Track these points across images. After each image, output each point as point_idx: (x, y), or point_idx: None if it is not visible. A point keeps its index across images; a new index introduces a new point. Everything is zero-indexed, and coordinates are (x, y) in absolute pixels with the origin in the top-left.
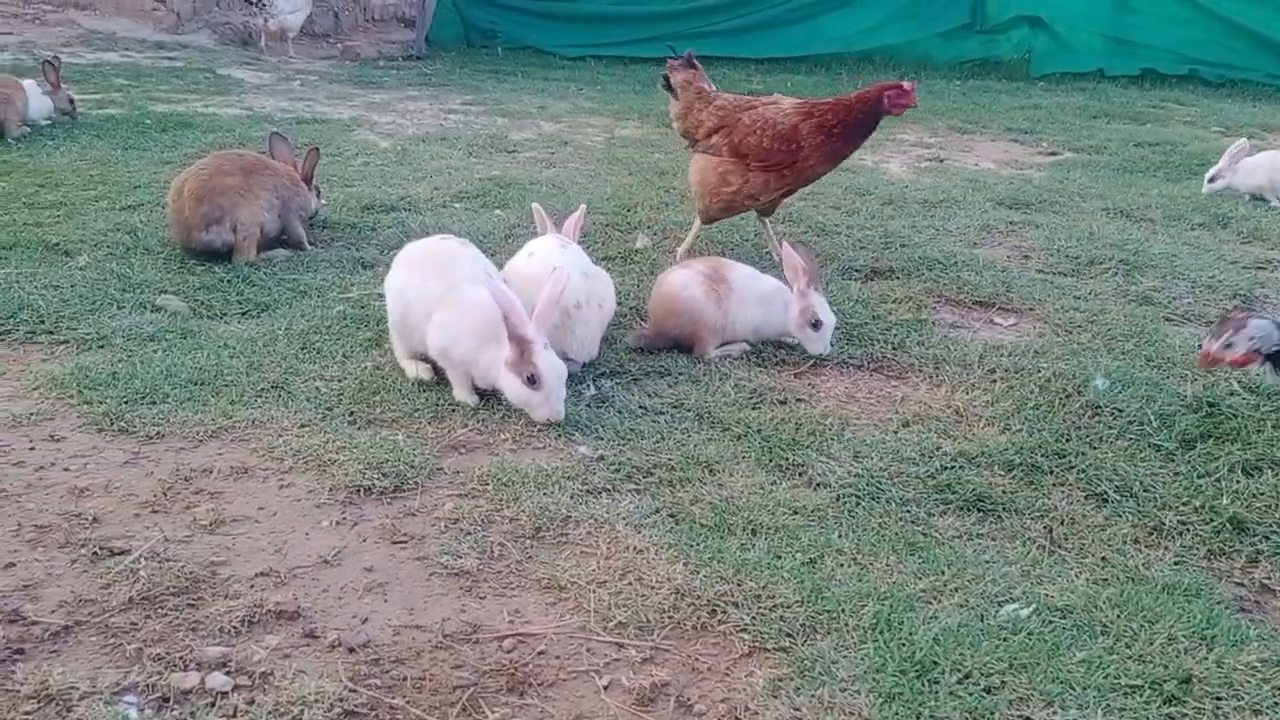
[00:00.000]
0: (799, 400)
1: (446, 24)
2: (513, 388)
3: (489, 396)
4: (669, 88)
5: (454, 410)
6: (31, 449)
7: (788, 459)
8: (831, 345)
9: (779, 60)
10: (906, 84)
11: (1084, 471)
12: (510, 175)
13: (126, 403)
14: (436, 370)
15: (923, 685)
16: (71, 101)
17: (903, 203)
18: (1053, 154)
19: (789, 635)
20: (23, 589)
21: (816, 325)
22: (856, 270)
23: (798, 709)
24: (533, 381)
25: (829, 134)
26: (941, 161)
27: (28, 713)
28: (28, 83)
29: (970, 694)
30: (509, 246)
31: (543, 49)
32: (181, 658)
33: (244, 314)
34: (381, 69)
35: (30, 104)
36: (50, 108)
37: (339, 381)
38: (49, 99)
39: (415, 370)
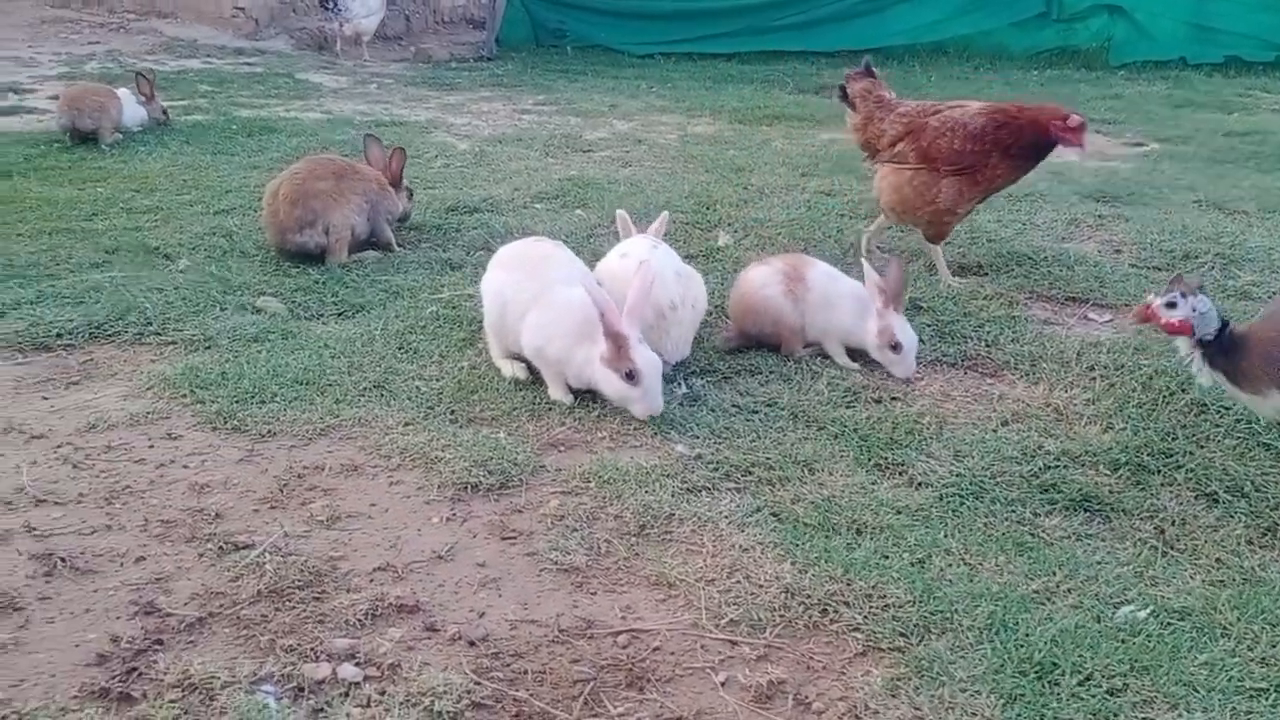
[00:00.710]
0: (894, 399)
1: (516, 24)
2: (611, 384)
3: (583, 395)
4: (845, 99)
5: (550, 409)
6: (151, 447)
7: (887, 458)
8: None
9: (849, 53)
10: (1073, 120)
11: (1192, 471)
12: (588, 175)
13: (237, 402)
14: (531, 369)
15: (1044, 687)
16: (165, 111)
17: None
18: (1138, 145)
19: (903, 635)
20: (155, 582)
21: (896, 348)
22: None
23: (919, 708)
24: (630, 377)
25: (1015, 137)
26: None
27: (173, 701)
28: (122, 91)
29: (1093, 696)
30: (591, 246)
31: (611, 47)
32: (312, 649)
33: (340, 315)
34: (454, 70)
35: (124, 112)
36: (144, 116)
37: (437, 381)
38: (143, 108)
39: (511, 369)
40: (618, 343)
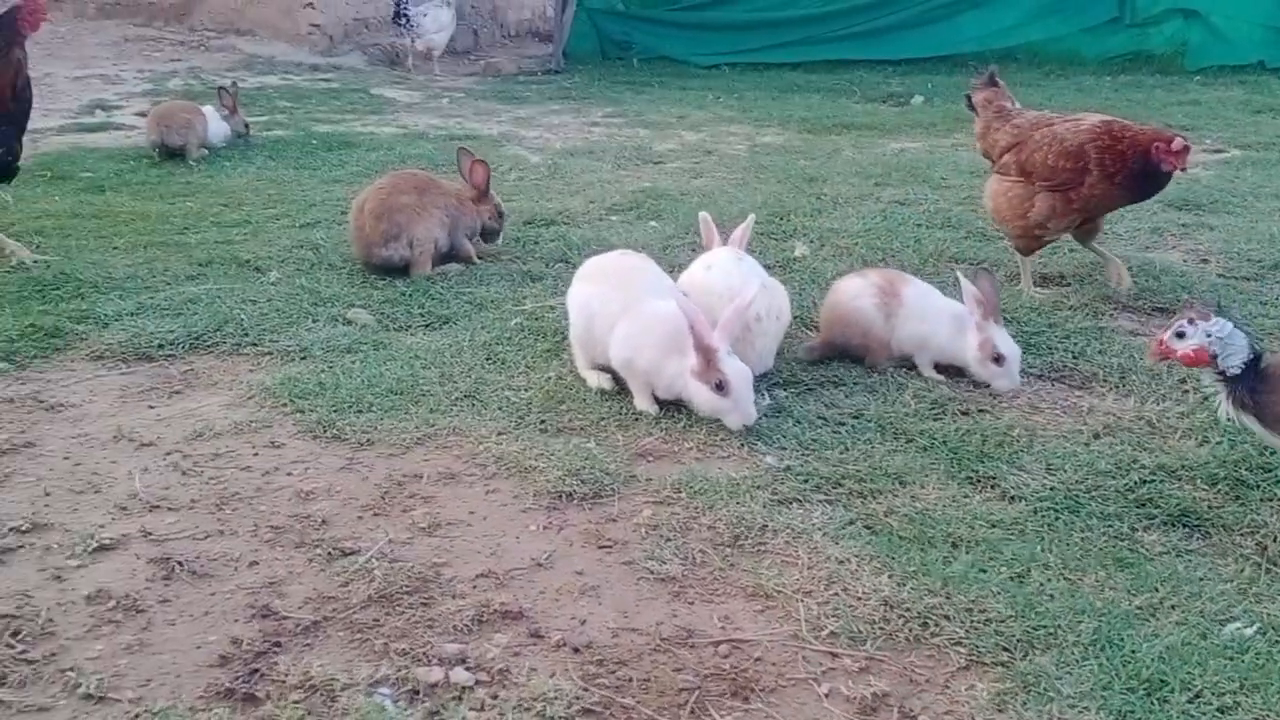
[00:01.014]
0: (981, 411)
1: (582, 37)
2: (702, 396)
3: (669, 406)
4: (971, 107)
5: (637, 419)
6: (255, 454)
7: (978, 471)
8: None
9: (917, 61)
10: (1177, 143)
11: None
12: (660, 186)
13: (335, 411)
14: (617, 380)
15: (1153, 704)
16: (247, 125)
17: None
18: (1218, 151)
19: (1006, 650)
20: (269, 586)
21: (999, 360)
22: (992, 269)
23: None
24: (721, 388)
25: (1116, 158)
26: None
27: (296, 702)
28: (207, 108)
29: (1203, 714)
30: (668, 257)
31: (677, 58)
32: (424, 653)
33: (427, 326)
34: (522, 84)
35: (209, 128)
36: (228, 131)
37: (526, 391)
38: (226, 123)
39: (597, 380)
40: (707, 355)
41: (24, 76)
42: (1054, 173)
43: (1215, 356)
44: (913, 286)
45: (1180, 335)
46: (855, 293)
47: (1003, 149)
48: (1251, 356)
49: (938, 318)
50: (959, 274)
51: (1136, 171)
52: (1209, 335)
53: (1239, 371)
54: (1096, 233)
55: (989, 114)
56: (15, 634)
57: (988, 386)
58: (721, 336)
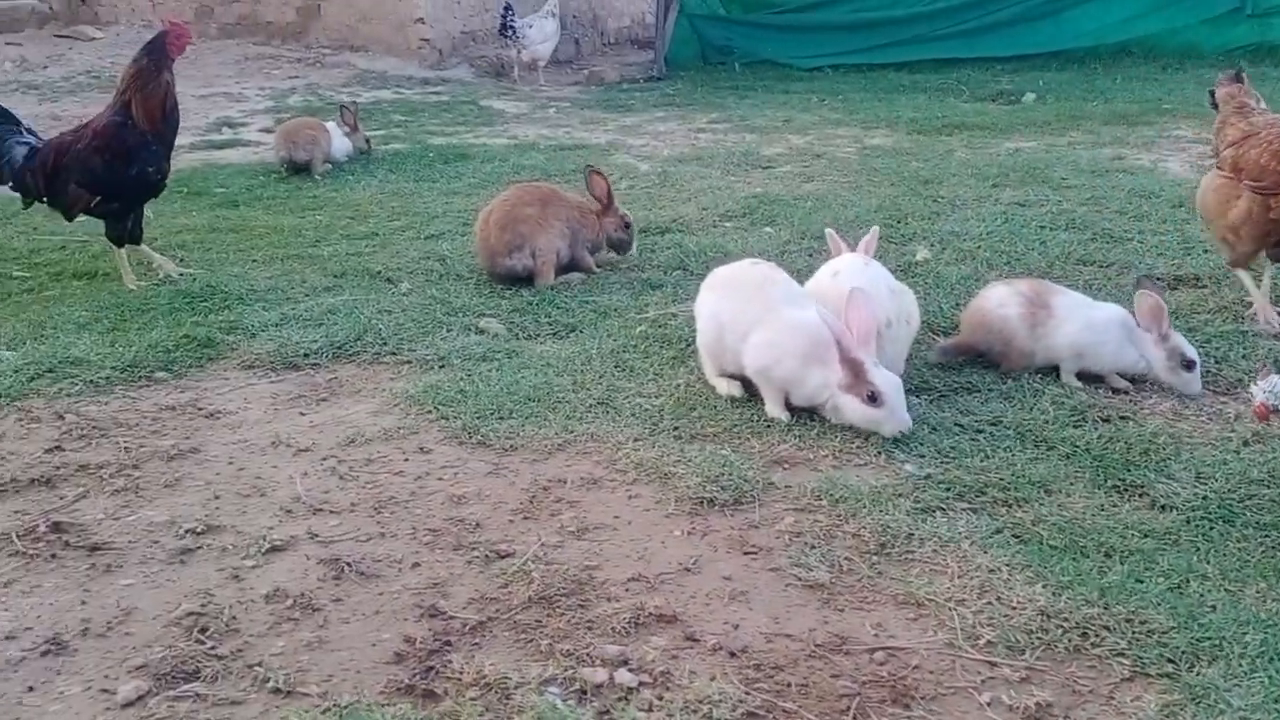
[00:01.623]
0: (1123, 418)
1: (683, 43)
2: (854, 409)
3: (802, 413)
4: (1214, 104)
5: (770, 426)
6: (406, 460)
7: (1125, 479)
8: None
9: (1027, 58)
10: None
11: None
12: (772, 192)
13: (478, 417)
14: (747, 387)
15: None
16: (368, 141)
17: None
18: None
19: (1171, 661)
20: (433, 587)
21: (1190, 366)
22: (1158, 279)
23: None
24: (874, 399)
25: None
26: None
27: (474, 699)
28: (330, 124)
29: None
30: (785, 263)
31: (779, 62)
32: (587, 654)
33: (555, 335)
34: (625, 92)
35: (333, 144)
36: (350, 147)
37: (657, 398)
38: (348, 139)
39: (727, 387)
40: (855, 368)
41: (172, 98)
42: (1262, 172)
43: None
44: (1065, 297)
45: (1271, 392)
46: (1000, 300)
47: (1229, 143)
48: None
49: (1106, 327)
50: (1137, 288)
51: None
52: (1267, 393)
53: None
54: None
55: (1229, 109)
56: (203, 630)
57: (1120, 391)
58: (866, 348)
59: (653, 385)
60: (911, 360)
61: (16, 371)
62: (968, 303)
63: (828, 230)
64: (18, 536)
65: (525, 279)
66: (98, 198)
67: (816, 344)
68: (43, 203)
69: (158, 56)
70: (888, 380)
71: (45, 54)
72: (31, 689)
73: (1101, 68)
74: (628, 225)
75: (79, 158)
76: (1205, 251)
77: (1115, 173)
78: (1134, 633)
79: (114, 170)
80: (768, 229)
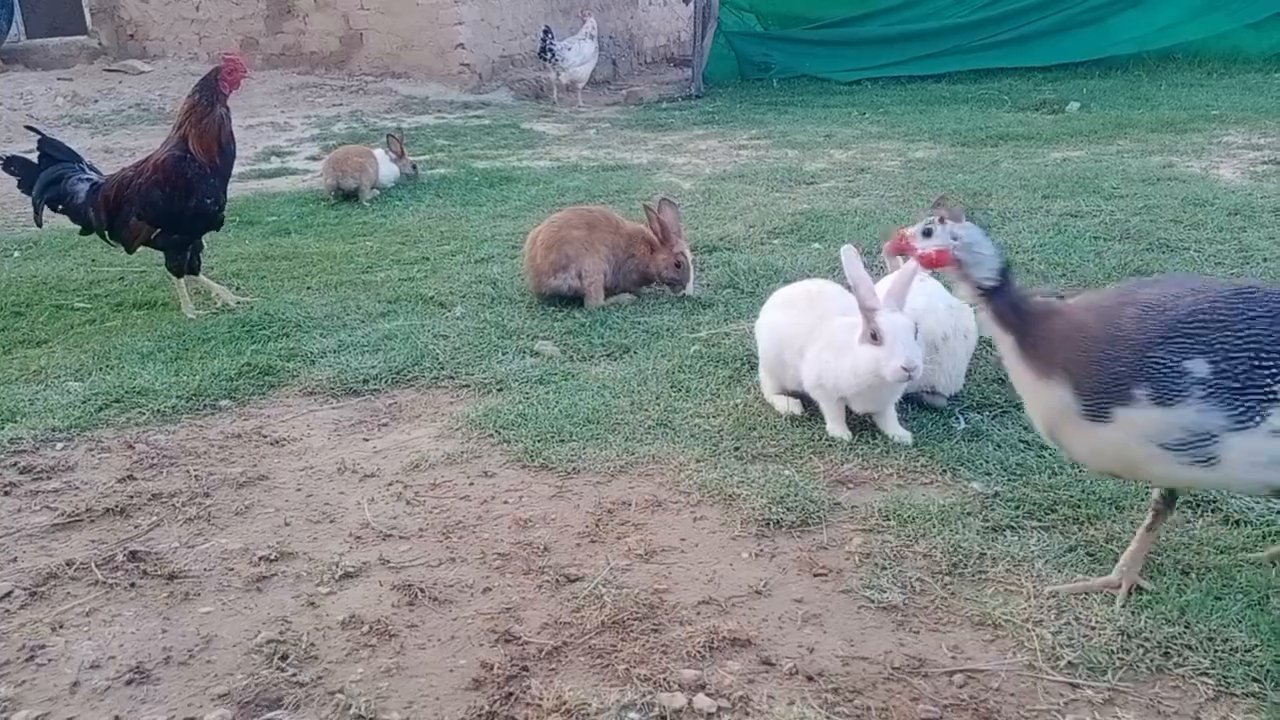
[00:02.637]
0: None
1: (720, 60)
2: (861, 355)
3: (864, 431)
4: None
5: (831, 445)
6: (471, 484)
7: (1196, 495)
8: None
9: (1069, 66)
10: None
11: None
12: (818, 207)
13: (539, 441)
14: (807, 405)
15: None
16: (415, 167)
17: (1251, 212)
18: None
19: (1256, 680)
20: (505, 611)
21: None
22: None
23: None
24: (874, 337)
25: None
26: None
27: None
28: (378, 151)
29: None
30: (836, 280)
31: (817, 76)
32: (664, 678)
33: (609, 356)
34: (665, 110)
35: (380, 170)
36: (397, 174)
37: (715, 418)
38: (395, 166)
39: (786, 405)
40: (867, 316)
41: (227, 131)
42: None
43: (960, 263)
44: None
45: (927, 233)
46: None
47: None
48: (1002, 269)
49: None
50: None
51: None
52: (955, 238)
53: (995, 284)
54: None
55: None
56: (284, 658)
57: None
58: (886, 298)
59: (710, 405)
60: (973, 376)
61: (85, 402)
62: None
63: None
64: (96, 566)
65: (573, 300)
66: (158, 230)
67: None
68: (105, 238)
69: (211, 91)
70: (893, 321)
71: (96, 89)
72: (118, 718)
73: (1146, 75)
74: (679, 265)
75: (140, 191)
76: (1265, 261)
77: (1167, 181)
78: (1216, 651)
79: (173, 202)
80: (816, 245)
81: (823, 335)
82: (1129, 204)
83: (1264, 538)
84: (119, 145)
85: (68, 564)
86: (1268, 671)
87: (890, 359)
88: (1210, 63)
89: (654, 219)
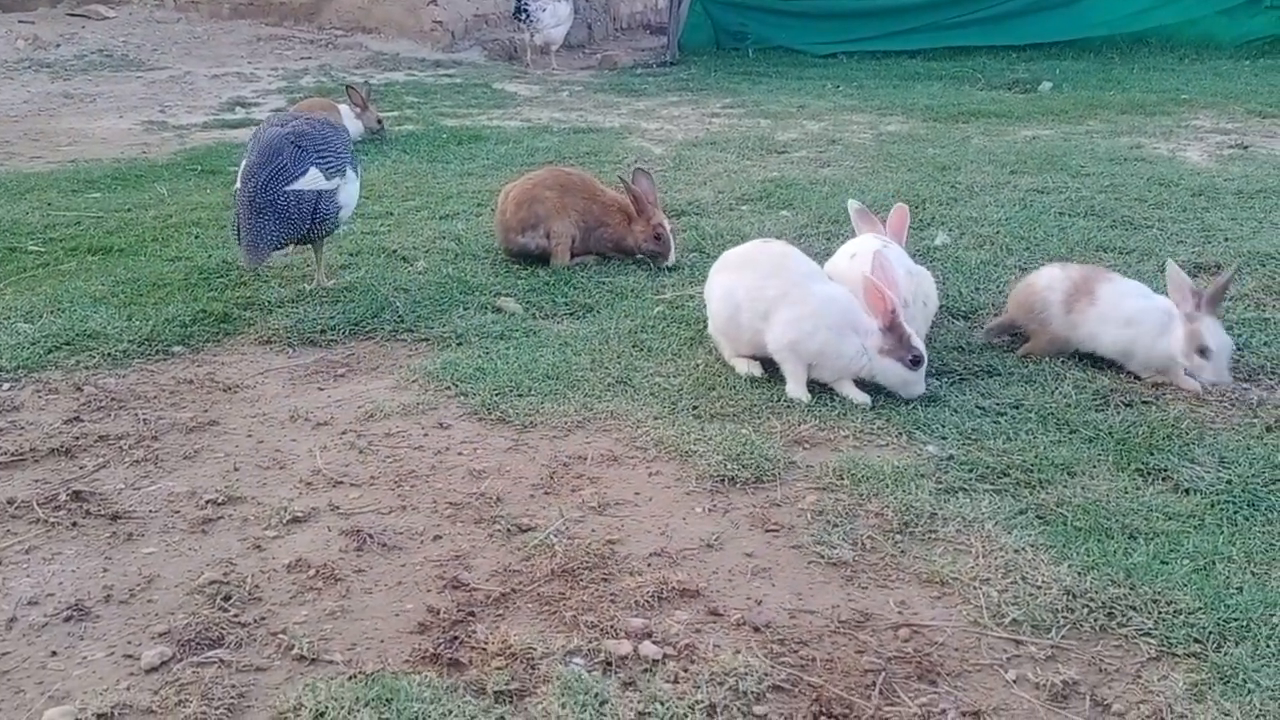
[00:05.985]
0: (1145, 402)
1: (696, 28)
2: (896, 371)
3: (821, 393)
4: None
5: (790, 406)
6: (425, 435)
7: (1148, 463)
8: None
9: (1043, 46)
10: None
11: None
12: (788, 176)
13: (497, 394)
14: (766, 366)
15: None
16: (380, 122)
17: (1214, 194)
18: None
19: (1198, 641)
20: (455, 559)
21: (1203, 352)
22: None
23: (1228, 714)
24: (915, 363)
25: None
26: (1246, 149)
27: (498, 668)
28: (342, 106)
29: None
30: (802, 246)
31: (793, 48)
32: (611, 626)
33: (572, 314)
34: (639, 76)
35: (345, 125)
36: (360, 129)
37: (675, 377)
38: (359, 121)
39: (747, 368)
40: (899, 333)
41: None
42: None
43: None
44: (1111, 286)
45: None
46: (1046, 283)
47: None
48: None
49: (1135, 319)
50: (1170, 262)
51: None
52: None
53: None
54: None
55: None
56: (226, 598)
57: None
58: (903, 315)
59: (671, 365)
60: (931, 343)
61: (34, 344)
62: (985, 286)
63: (854, 204)
64: (38, 504)
65: (539, 258)
66: None
67: (847, 313)
68: None
69: None
70: (921, 346)
71: (58, 33)
72: (55, 653)
73: (1118, 57)
74: (659, 237)
75: None
76: (1225, 240)
77: (1134, 161)
78: (1160, 613)
79: None
80: (785, 212)
81: (807, 301)
82: (1095, 182)
83: (1213, 506)
84: (80, 91)
85: (9, 502)
86: (1209, 633)
87: (919, 385)
88: (1182, 48)
89: (628, 189)
